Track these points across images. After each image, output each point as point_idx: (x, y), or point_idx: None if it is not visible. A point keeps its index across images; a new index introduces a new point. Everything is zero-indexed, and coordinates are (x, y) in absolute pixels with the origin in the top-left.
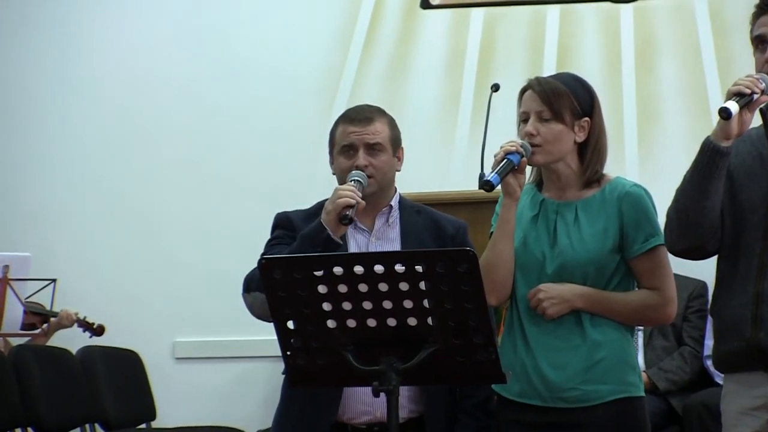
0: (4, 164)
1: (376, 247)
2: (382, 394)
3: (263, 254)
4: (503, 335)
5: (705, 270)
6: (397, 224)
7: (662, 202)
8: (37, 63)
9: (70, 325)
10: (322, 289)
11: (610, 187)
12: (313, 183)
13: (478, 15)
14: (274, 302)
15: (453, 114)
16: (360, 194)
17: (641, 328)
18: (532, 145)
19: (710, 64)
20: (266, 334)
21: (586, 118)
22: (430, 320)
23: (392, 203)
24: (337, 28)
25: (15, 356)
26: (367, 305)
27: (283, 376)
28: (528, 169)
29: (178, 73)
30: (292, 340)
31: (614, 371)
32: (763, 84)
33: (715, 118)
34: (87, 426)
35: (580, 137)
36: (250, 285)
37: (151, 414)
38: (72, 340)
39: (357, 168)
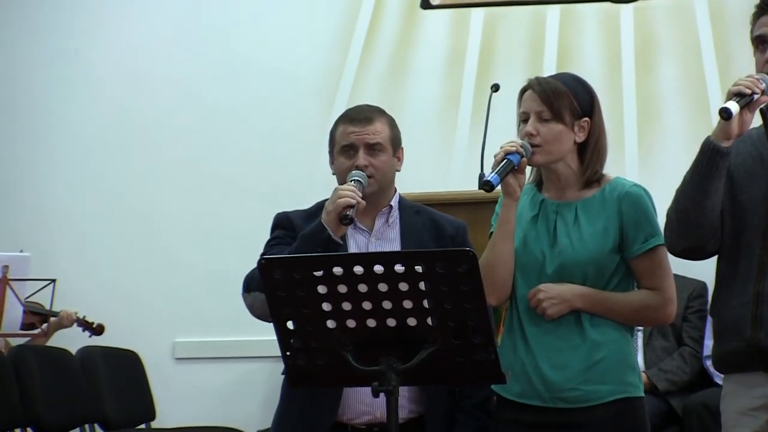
0: (4, 164)
1: (375, 247)
2: (382, 395)
3: (263, 254)
4: (503, 335)
5: (705, 270)
6: (396, 224)
7: (662, 202)
8: (37, 63)
9: (70, 325)
10: (321, 289)
11: (610, 187)
12: (313, 183)
13: (478, 15)
14: (274, 302)
15: (453, 114)
16: (360, 194)
17: (641, 328)
18: (532, 146)
19: (710, 64)
20: (266, 334)
21: (586, 118)
22: (429, 320)
23: (392, 203)
24: (337, 28)
25: (15, 356)
26: (367, 305)
27: (283, 376)
28: (528, 169)
29: (178, 73)
30: (291, 341)
31: (614, 371)
32: (764, 84)
33: (715, 118)
34: (86, 426)
35: (580, 137)
36: (250, 285)
37: (151, 414)
38: (71, 340)
39: (357, 168)
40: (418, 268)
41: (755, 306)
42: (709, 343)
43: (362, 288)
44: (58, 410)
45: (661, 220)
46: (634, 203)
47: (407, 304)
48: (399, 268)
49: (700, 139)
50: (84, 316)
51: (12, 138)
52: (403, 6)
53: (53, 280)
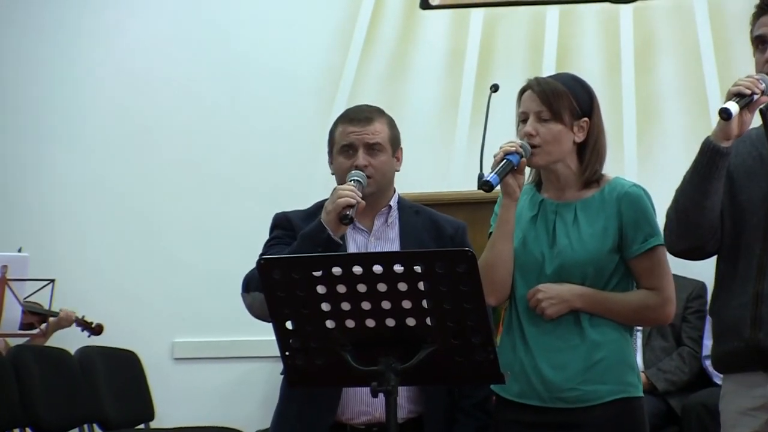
0: (3, 164)
1: (375, 247)
2: (381, 395)
3: (262, 254)
4: (502, 335)
5: (704, 270)
6: (396, 224)
7: (661, 202)
8: (37, 63)
9: (69, 325)
10: (320, 289)
11: (609, 187)
12: (313, 183)
13: (477, 15)
14: (273, 302)
15: (452, 114)
16: (360, 194)
17: (640, 328)
18: (532, 146)
19: (710, 65)
20: (265, 334)
21: (585, 119)
22: (428, 320)
23: (391, 203)
24: (336, 29)
25: (14, 356)
26: (366, 305)
27: (282, 376)
28: (527, 169)
29: (178, 73)
30: (290, 341)
31: (613, 371)
32: (763, 84)
33: (715, 118)
34: (85, 426)
35: (579, 137)
36: (249, 285)
37: (150, 414)
38: (70, 341)
39: (356, 168)
40: (417, 268)
41: (755, 306)
42: (708, 343)
43: (361, 288)
44: (57, 410)
45: (661, 221)
46: (633, 203)
47: (406, 304)
48: (398, 268)
49: (700, 140)
50: (83, 316)
51: (12, 137)
52: (402, 6)
53: (52, 280)
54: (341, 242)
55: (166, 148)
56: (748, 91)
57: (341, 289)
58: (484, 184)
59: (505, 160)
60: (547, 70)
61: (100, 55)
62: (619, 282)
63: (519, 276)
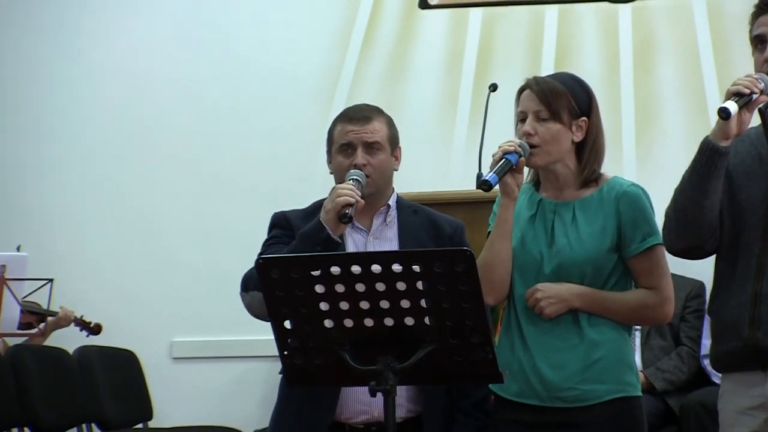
0: (3, 164)
1: (374, 246)
2: (380, 394)
3: (260, 254)
4: (501, 335)
5: (703, 270)
6: (394, 224)
7: (660, 201)
8: (37, 63)
9: (68, 325)
10: (319, 288)
11: (607, 186)
12: (312, 183)
13: (476, 15)
14: (272, 302)
15: (451, 114)
16: (359, 193)
17: (638, 327)
18: (530, 145)
19: (708, 64)
20: (263, 334)
21: (584, 118)
22: (427, 320)
23: (390, 203)
24: (335, 28)
25: (12, 356)
26: (365, 305)
27: (281, 375)
28: (525, 168)
29: (178, 73)
30: (289, 340)
31: (612, 371)
32: (762, 84)
33: (714, 117)
34: (84, 426)
35: (578, 137)
36: (248, 284)
37: (148, 414)
38: (69, 340)
39: (355, 166)
40: (416, 268)
41: (753, 306)
42: (706, 342)
43: (360, 287)
44: (55, 410)
45: (660, 220)
46: (632, 202)
47: (405, 303)
48: (397, 267)
49: (699, 139)
50: (82, 316)
51: (12, 137)
52: (401, 6)
53: (50, 280)
54: (340, 241)
55: (166, 148)
56: (747, 91)
57: (340, 288)
58: (483, 184)
59: (503, 160)
60: (546, 70)
61: (100, 55)
62: (618, 281)
63: (517, 275)
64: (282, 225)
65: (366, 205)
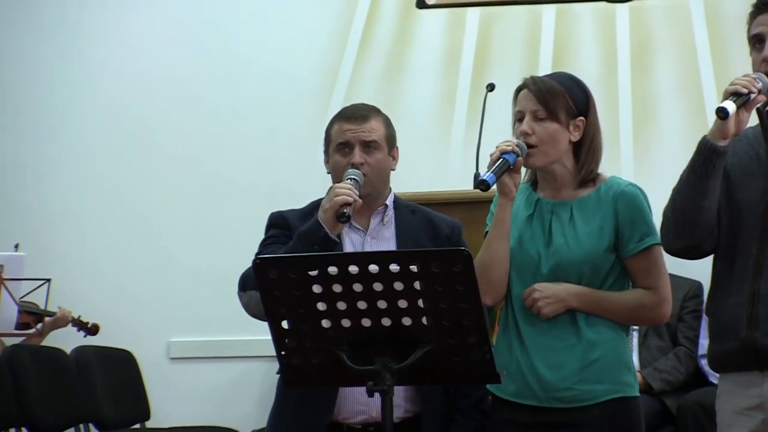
0: (3, 164)
1: (371, 246)
2: (377, 394)
3: (258, 254)
4: (498, 335)
5: (700, 270)
6: (392, 224)
7: (658, 201)
8: (37, 63)
9: (65, 325)
10: (316, 288)
11: (605, 186)
12: (311, 183)
13: (473, 15)
14: (269, 302)
15: (449, 114)
16: (357, 192)
17: (636, 327)
18: (528, 145)
19: (706, 64)
20: (261, 334)
21: (581, 118)
22: (424, 320)
23: (387, 202)
24: (333, 29)
25: (9, 356)
26: (362, 305)
27: (278, 375)
28: (523, 168)
29: (178, 73)
30: (286, 340)
31: (610, 371)
32: (760, 83)
33: (711, 117)
34: (81, 426)
35: (575, 136)
36: (246, 284)
37: (146, 414)
38: (66, 340)
39: (353, 165)
40: (414, 268)
41: (751, 306)
42: (704, 342)
43: (357, 287)
44: (53, 410)
45: (657, 220)
46: (629, 202)
47: (402, 303)
48: (394, 267)
49: (696, 139)
50: (79, 316)
51: (12, 137)
52: (398, 5)
53: (48, 280)
54: (338, 240)
55: (165, 148)
56: (745, 90)
57: (337, 288)
58: (481, 183)
59: (501, 159)
60: (544, 70)
61: (100, 55)
62: (615, 281)
63: (515, 275)
64: (279, 225)
65: (363, 204)
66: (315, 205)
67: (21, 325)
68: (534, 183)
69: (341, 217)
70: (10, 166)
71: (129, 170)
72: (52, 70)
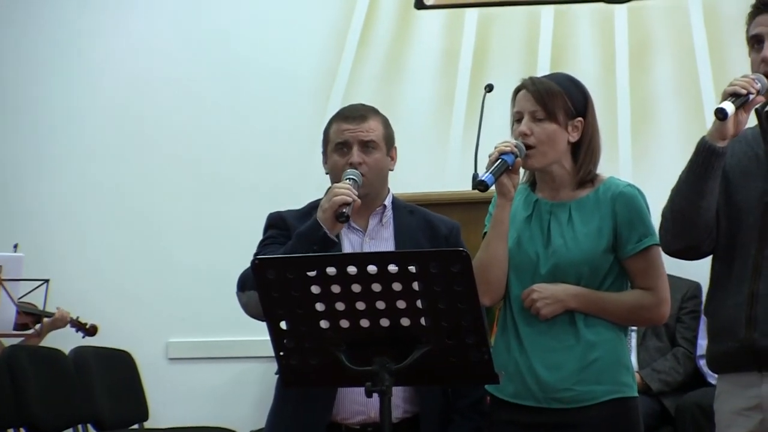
0: (2, 164)
1: (370, 247)
2: (376, 394)
3: (256, 254)
4: (497, 336)
5: (699, 271)
6: (390, 224)
7: (656, 202)
8: (37, 63)
9: (64, 326)
10: (315, 289)
11: (603, 187)
12: (311, 183)
13: (472, 15)
14: (267, 303)
15: (447, 114)
16: (356, 192)
17: (635, 328)
18: (527, 146)
19: (704, 65)
20: (259, 334)
21: (580, 118)
22: (423, 320)
23: (386, 203)
24: (331, 29)
25: (8, 356)
26: (360, 305)
27: (277, 376)
28: (521, 169)
29: (178, 73)
30: (285, 341)
31: (608, 371)
32: (759, 84)
33: (709, 118)
34: (80, 426)
35: (574, 137)
36: (245, 284)
37: (144, 414)
38: (65, 340)
39: (351, 165)
40: (412, 268)
41: (749, 306)
42: (702, 343)
43: (356, 288)
44: (51, 410)
45: (656, 220)
46: (627, 203)
47: (401, 304)
48: (392, 268)
49: (694, 140)
50: (78, 317)
51: (12, 137)
52: (397, 6)
53: (46, 281)
54: (337, 240)
55: (164, 148)
56: (744, 91)
57: (336, 289)
58: (479, 184)
59: (500, 160)
60: (542, 70)
61: (100, 55)
62: (614, 282)
63: (514, 276)
64: (278, 225)
65: (362, 205)
66: (313, 206)
67: (19, 326)
68: (532, 184)
69: (340, 216)
70: (10, 166)
71: (128, 170)
72: (52, 70)
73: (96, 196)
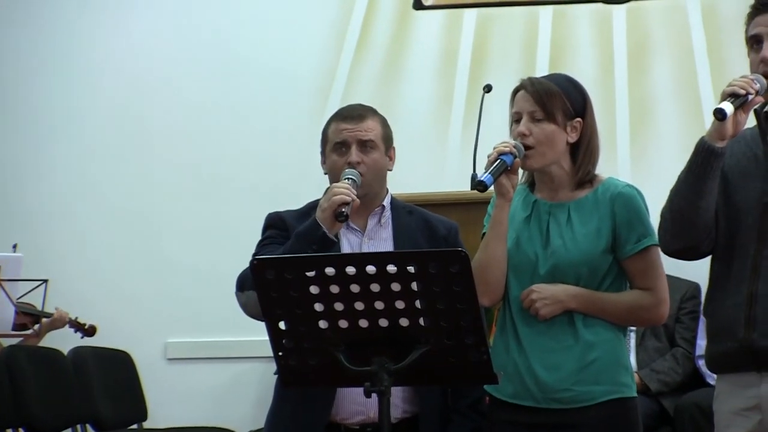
0: (2, 164)
1: (368, 247)
2: (375, 395)
3: (255, 254)
4: (495, 336)
5: (698, 271)
6: (389, 224)
7: (655, 202)
8: (36, 63)
9: (63, 326)
10: (314, 289)
11: (602, 187)
12: (310, 183)
13: (470, 16)
14: (266, 303)
15: (446, 115)
16: (355, 192)
17: (633, 328)
18: (525, 147)
19: (703, 66)
20: (258, 334)
21: (578, 119)
22: (422, 321)
23: (384, 203)
24: (330, 29)
25: (7, 357)
26: (359, 306)
27: (276, 376)
28: (520, 169)
29: (178, 73)
30: (283, 341)
31: (607, 372)
32: (758, 85)
33: (708, 119)
34: (79, 426)
35: (572, 138)
36: (244, 284)
37: (143, 414)
38: (63, 341)
39: (349, 164)
40: (411, 269)
41: (748, 307)
42: (701, 343)
43: (354, 288)
44: (50, 410)
45: (654, 221)
46: (626, 203)
47: (399, 304)
48: (391, 268)
49: (693, 140)
50: (76, 318)
51: (12, 137)
52: (395, 6)
53: (45, 281)
54: (336, 240)
55: (164, 148)
56: (743, 92)
57: (334, 289)
58: (478, 185)
59: (498, 161)
60: (541, 71)
61: (100, 55)
62: (613, 282)
63: (512, 276)
64: (277, 225)
65: (361, 205)
66: (312, 206)
67: (18, 326)
68: (531, 184)
69: (339, 216)
70: (9, 166)
71: (127, 170)
72: (52, 70)
73: (95, 196)
